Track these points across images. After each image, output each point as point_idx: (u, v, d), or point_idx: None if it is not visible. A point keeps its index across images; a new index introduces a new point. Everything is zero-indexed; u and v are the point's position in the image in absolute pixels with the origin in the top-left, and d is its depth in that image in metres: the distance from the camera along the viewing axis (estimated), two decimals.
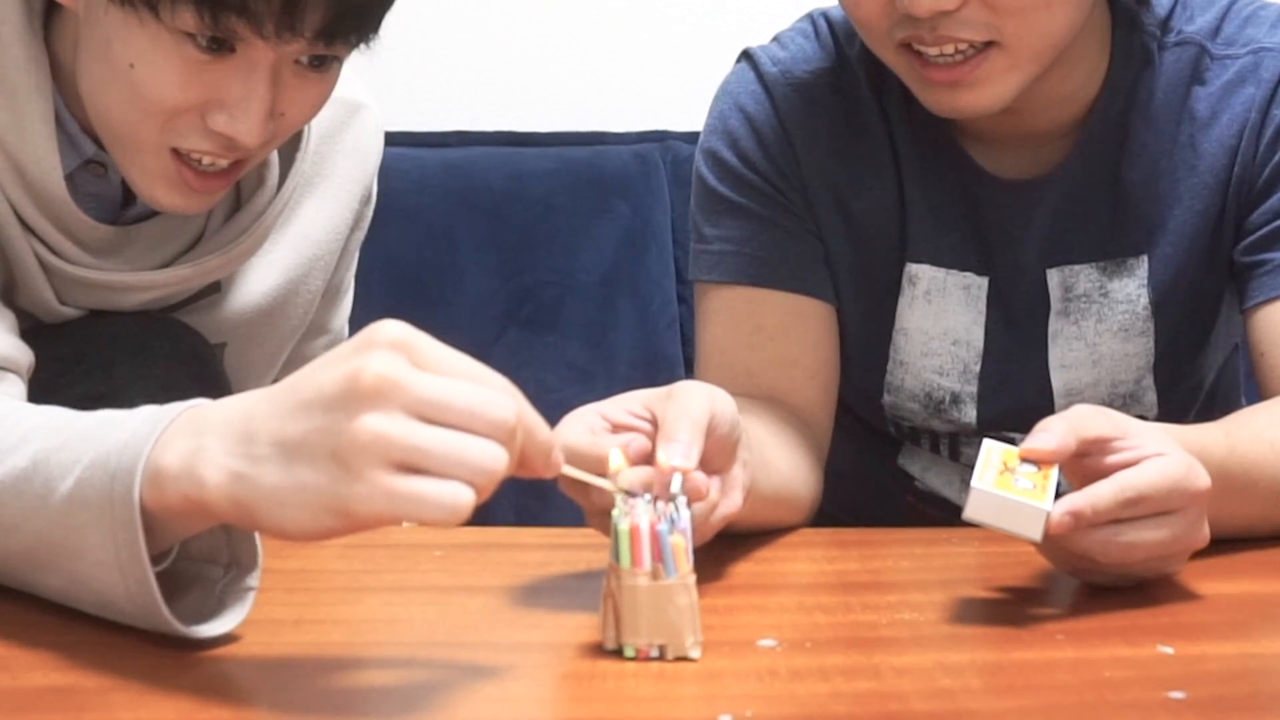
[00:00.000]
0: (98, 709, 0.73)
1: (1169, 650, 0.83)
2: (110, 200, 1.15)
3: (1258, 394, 1.19)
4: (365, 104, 1.30)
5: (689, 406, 0.84)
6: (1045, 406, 1.23)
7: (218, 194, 1.10)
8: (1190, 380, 1.27)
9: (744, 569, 1.01)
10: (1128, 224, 1.22)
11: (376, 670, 0.79)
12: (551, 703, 0.77)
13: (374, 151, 1.31)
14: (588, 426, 0.85)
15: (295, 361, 1.36)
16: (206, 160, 1.06)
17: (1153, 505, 0.86)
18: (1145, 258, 1.22)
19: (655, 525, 0.78)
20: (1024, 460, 0.87)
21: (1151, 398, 1.25)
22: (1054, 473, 0.87)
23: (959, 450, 1.29)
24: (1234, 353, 1.35)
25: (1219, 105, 1.20)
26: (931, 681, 0.77)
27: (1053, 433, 0.87)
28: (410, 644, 0.83)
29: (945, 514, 1.29)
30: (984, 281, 1.23)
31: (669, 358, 1.94)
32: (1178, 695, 0.75)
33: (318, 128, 1.23)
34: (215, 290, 1.21)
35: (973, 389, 1.24)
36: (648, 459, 0.84)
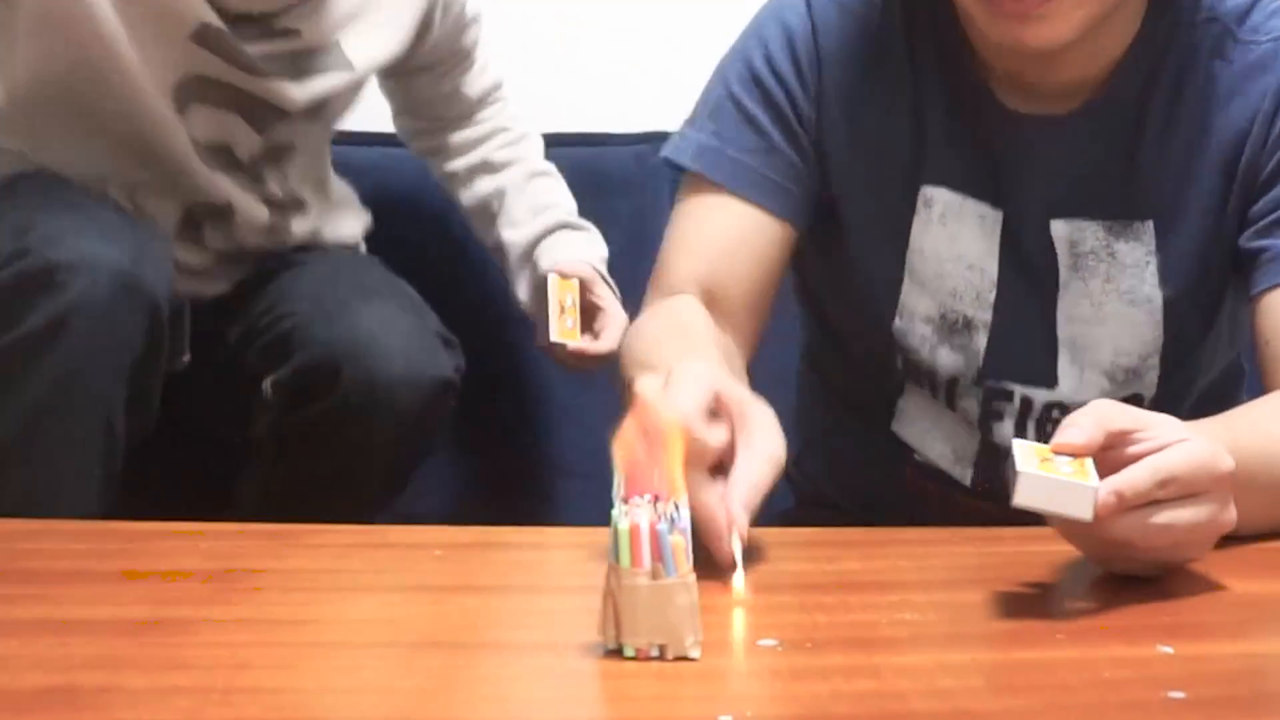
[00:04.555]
0: (98, 709, 0.73)
1: (1169, 650, 0.83)
2: None
3: (1260, 381, 1.20)
4: None
5: (754, 473, 0.91)
6: (1049, 359, 1.24)
7: None
8: (1191, 369, 1.28)
9: (744, 569, 1.01)
10: (1137, 187, 1.23)
11: (376, 670, 0.79)
12: (551, 703, 0.77)
13: None
14: (701, 409, 0.90)
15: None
16: None
17: (1183, 487, 0.88)
18: (1151, 224, 1.23)
19: (655, 525, 0.78)
20: (1056, 454, 0.89)
21: (1153, 377, 1.26)
22: (1089, 463, 0.89)
23: (956, 398, 1.28)
24: (1236, 359, 1.36)
25: (1235, 88, 1.21)
26: (931, 681, 0.77)
27: (1081, 427, 0.89)
28: (410, 644, 0.83)
29: (944, 488, 1.30)
30: (999, 215, 1.24)
31: None
32: (1178, 695, 0.75)
33: None
34: None
35: (986, 317, 1.25)
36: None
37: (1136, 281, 1.23)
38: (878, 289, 1.27)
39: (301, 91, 1.48)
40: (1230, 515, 0.91)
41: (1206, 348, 1.29)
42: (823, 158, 1.26)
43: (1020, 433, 1.26)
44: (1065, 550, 1.08)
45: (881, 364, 1.30)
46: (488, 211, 1.67)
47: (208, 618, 0.87)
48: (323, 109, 1.53)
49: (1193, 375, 1.28)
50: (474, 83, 1.66)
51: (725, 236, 1.24)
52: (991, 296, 1.24)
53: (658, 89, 1.96)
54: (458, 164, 1.67)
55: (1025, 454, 0.88)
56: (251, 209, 1.49)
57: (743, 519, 0.89)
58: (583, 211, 1.86)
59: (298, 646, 0.83)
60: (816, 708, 0.74)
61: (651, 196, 1.96)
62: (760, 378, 1.90)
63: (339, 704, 0.74)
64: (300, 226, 1.55)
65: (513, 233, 1.67)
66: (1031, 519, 1.22)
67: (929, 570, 1.02)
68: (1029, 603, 0.93)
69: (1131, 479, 0.87)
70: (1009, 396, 1.25)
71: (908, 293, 1.26)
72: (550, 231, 1.66)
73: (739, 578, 0.89)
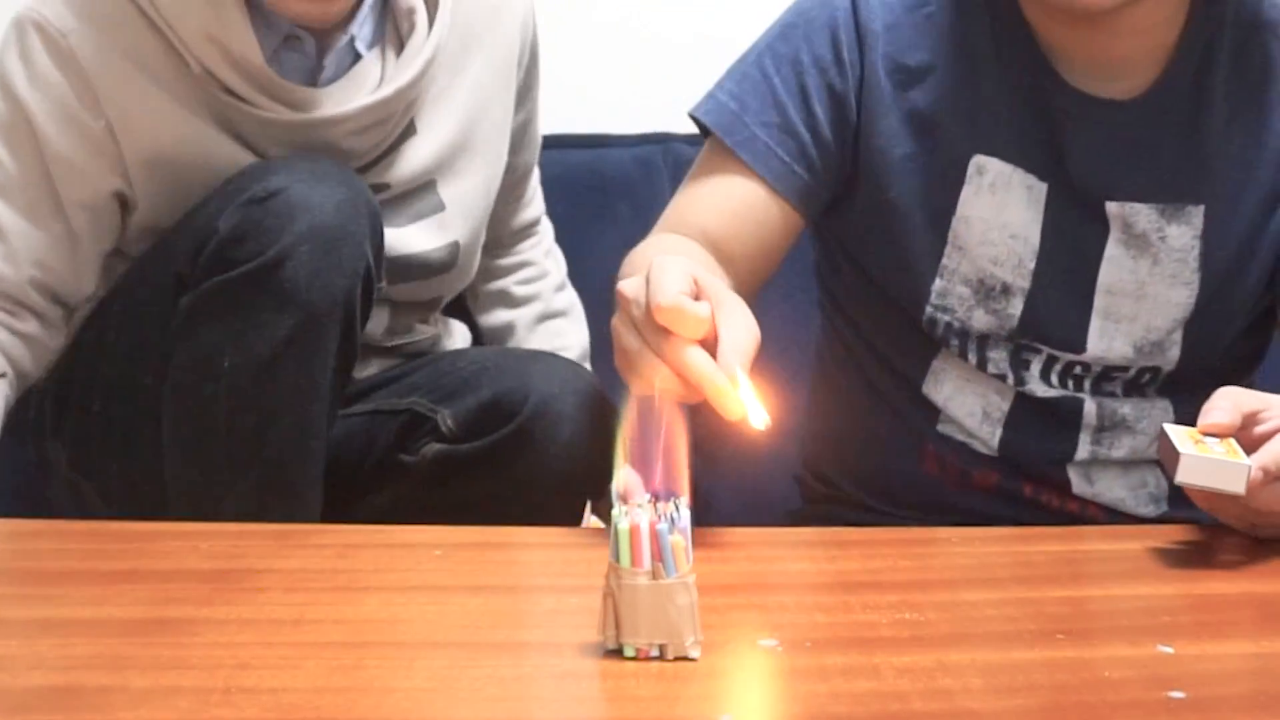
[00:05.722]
0: (98, 709, 0.73)
1: (1169, 650, 0.83)
2: (309, 71, 1.38)
3: None
4: None
5: (740, 340, 0.95)
6: (1080, 325, 1.26)
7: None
8: (1214, 346, 1.29)
9: (744, 569, 1.01)
10: (1195, 172, 1.25)
11: (376, 670, 0.79)
12: (551, 703, 0.77)
13: (526, 12, 1.56)
14: (685, 290, 0.95)
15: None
16: None
17: None
18: (1202, 209, 1.25)
19: (655, 525, 0.78)
20: (1205, 434, 1.01)
21: (1175, 353, 1.28)
22: (1234, 442, 1.01)
23: (986, 357, 1.29)
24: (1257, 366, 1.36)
25: None
26: (931, 681, 0.77)
27: (1223, 410, 1.02)
28: (410, 644, 0.83)
29: (962, 461, 1.30)
30: (1044, 187, 1.25)
31: None
32: (1178, 695, 0.75)
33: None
34: (413, 133, 1.44)
35: (1025, 284, 1.26)
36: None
37: (1180, 266, 1.25)
38: (921, 252, 1.27)
39: (396, 240, 1.43)
40: None
41: (1233, 328, 1.30)
42: (864, 132, 1.26)
43: (1045, 380, 1.28)
44: (1064, 550, 1.08)
45: (917, 326, 1.31)
46: (498, 339, 1.68)
47: (208, 618, 0.87)
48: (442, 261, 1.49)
49: (1214, 351, 1.29)
50: (519, 215, 1.67)
51: (730, 200, 1.26)
52: (1032, 265, 1.25)
53: (658, 90, 1.97)
54: (479, 287, 1.67)
55: (1180, 438, 1.01)
56: (375, 317, 1.46)
57: (738, 371, 0.94)
58: (583, 214, 1.86)
59: (298, 646, 0.83)
60: (816, 708, 0.74)
61: (651, 197, 1.96)
62: (768, 372, 1.91)
63: (339, 704, 0.74)
64: (425, 332, 1.54)
65: None
66: (1029, 516, 1.23)
67: (929, 570, 1.02)
68: (1029, 603, 0.93)
69: (1275, 453, 0.99)
70: (1037, 352, 1.28)
71: (949, 257, 1.27)
72: None
73: (758, 417, 0.92)
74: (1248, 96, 1.25)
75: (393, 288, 1.44)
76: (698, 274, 0.98)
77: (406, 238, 1.44)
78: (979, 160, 1.25)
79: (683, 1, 2.08)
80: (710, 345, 0.95)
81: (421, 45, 1.41)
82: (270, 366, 1.23)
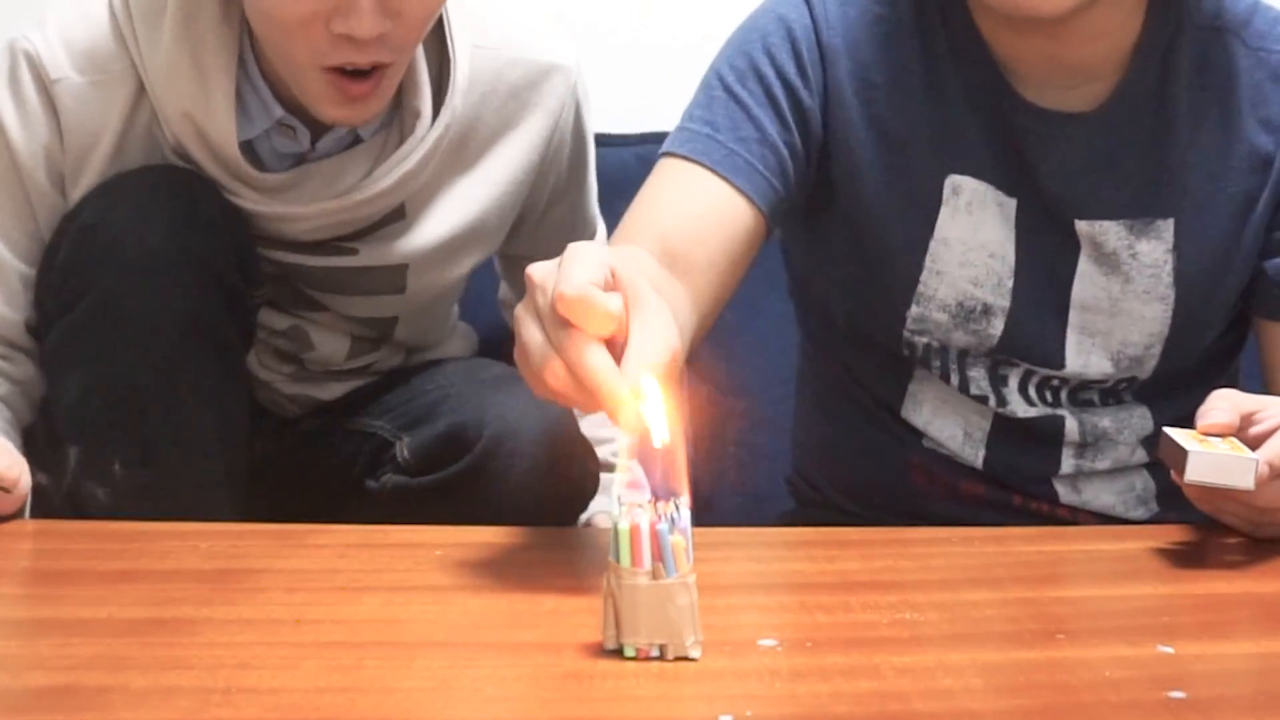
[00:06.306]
0: (98, 709, 0.73)
1: (1169, 650, 0.83)
2: (299, 157, 1.33)
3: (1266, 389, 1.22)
4: (560, 66, 1.42)
5: (650, 351, 0.83)
6: (1058, 342, 1.25)
7: (372, 100, 1.25)
8: (1190, 355, 1.28)
9: (744, 569, 1.01)
10: (1162, 186, 1.23)
11: (376, 670, 0.79)
12: (551, 703, 0.77)
13: (561, 108, 1.43)
14: (595, 280, 0.84)
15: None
16: (349, 68, 1.22)
17: None
18: (1172, 222, 1.23)
19: (655, 525, 0.78)
20: (1206, 435, 1.02)
21: (1153, 364, 1.27)
22: (1236, 440, 1.02)
23: (967, 377, 1.28)
24: (1233, 367, 1.36)
25: (1261, 95, 1.23)
26: (932, 681, 0.78)
27: (1222, 410, 1.03)
28: (410, 644, 0.83)
29: (949, 475, 1.30)
30: (1013, 203, 1.23)
31: None
32: (1178, 695, 0.75)
33: (509, 85, 1.38)
34: (400, 217, 1.36)
35: (1005, 303, 1.25)
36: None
37: (1154, 281, 1.24)
38: (898, 278, 1.26)
39: (352, 306, 1.40)
40: None
41: (1211, 336, 1.29)
42: (832, 152, 1.25)
43: (1023, 395, 1.27)
44: (1065, 550, 1.08)
45: (892, 351, 1.30)
46: None
47: (208, 618, 0.87)
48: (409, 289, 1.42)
49: (1191, 358, 1.29)
50: None
51: (694, 201, 1.20)
52: (1010, 283, 1.24)
53: (658, 89, 1.97)
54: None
55: (1184, 438, 1.01)
56: (331, 344, 1.44)
57: (643, 380, 0.82)
58: None
59: (298, 646, 0.83)
60: (816, 708, 0.74)
61: None
62: (760, 382, 1.91)
63: (339, 704, 0.74)
64: (390, 357, 1.50)
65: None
66: (1019, 523, 1.23)
67: (929, 570, 1.02)
68: (1029, 603, 0.93)
69: (1278, 449, 0.99)
70: (1014, 366, 1.27)
71: (926, 281, 1.25)
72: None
73: (658, 434, 0.80)
74: (1212, 102, 1.23)
75: (333, 298, 1.39)
76: (618, 265, 0.86)
77: (363, 302, 1.39)
78: (954, 180, 1.23)
79: (684, 2, 2.08)
80: (621, 349, 0.84)
81: (408, 153, 1.32)
82: (142, 399, 1.21)
